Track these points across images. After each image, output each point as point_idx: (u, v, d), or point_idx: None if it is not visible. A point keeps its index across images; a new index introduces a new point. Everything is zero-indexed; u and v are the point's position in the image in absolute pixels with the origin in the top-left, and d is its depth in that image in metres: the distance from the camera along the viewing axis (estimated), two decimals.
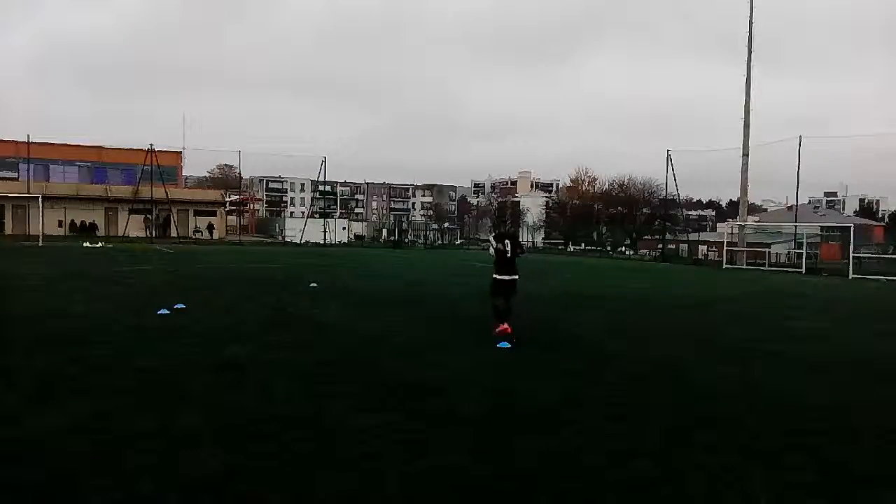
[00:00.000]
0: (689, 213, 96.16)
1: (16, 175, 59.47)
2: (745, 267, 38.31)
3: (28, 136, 51.17)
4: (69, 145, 64.05)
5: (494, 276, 10.23)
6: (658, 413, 6.25)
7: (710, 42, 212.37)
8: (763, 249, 45.36)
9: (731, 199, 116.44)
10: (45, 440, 4.86)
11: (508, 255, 10.21)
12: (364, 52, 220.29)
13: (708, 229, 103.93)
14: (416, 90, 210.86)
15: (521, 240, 10.89)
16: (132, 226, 52.82)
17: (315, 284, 17.72)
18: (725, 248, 42.03)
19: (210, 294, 15.24)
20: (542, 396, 6.69)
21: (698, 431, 5.71)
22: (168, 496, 4.01)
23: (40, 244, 39.04)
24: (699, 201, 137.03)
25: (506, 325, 9.94)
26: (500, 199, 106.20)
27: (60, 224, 52.84)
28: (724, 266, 38.57)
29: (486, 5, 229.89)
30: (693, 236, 65.64)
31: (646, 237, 74.48)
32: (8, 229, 52.35)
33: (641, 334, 11.23)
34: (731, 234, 45.81)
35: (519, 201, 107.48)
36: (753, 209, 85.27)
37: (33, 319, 10.55)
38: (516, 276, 10.23)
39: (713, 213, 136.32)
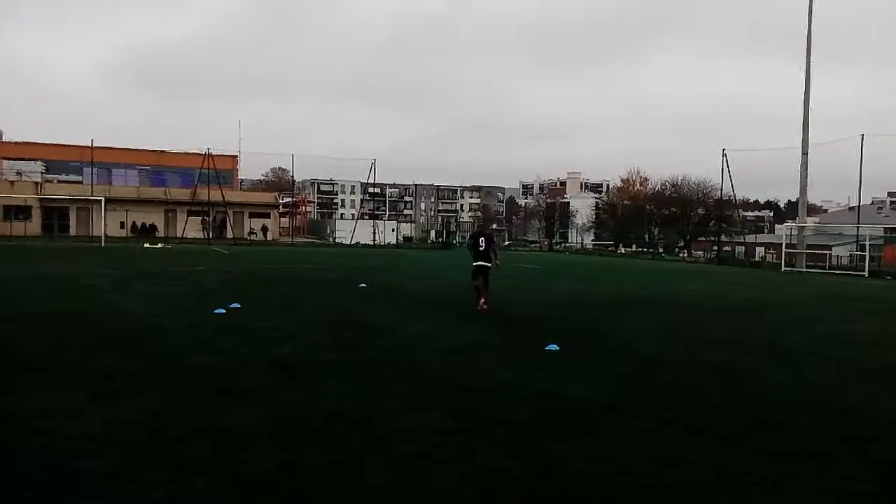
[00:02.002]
0: (746, 213, 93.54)
1: (80, 178, 62.04)
2: (804, 270, 37.06)
3: (91, 140, 53.24)
4: (130, 149, 66.43)
5: (474, 263, 13.55)
6: (711, 418, 6.11)
7: (768, 38, 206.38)
8: (823, 252, 43.78)
9: (789, 200, 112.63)
10: (107, 434, 5.06)
11: (482, 249, 13.55)
12: (413, 56, 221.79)
13: (766, 231, 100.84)
14: (465, 92, 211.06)
15: (495, 243, 14.52)
16: (190, 227, 54.45)
17: (364, 285, 17.93)
18: (784, 250, 40.73)
19: (264, 294, 15.60)
20: (590, 399, 6.62)
21: (753, 437, 5.56)
22: (223, 492, 4.13)
23: (103, 245, 40.62)
24: (756, 202, 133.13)
25: (483, 300, 13.20)
26: (548, 200, 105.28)
27: (122, 225, 54.88)
28: (783, 269, 37.42)
29: (533, 6, 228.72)
30: (750, 238, 63.85)
31: (700, 239, 72.80)
32: (72, 230, 54.65)
33: (694, 337, 10.99)
34: (790, 235, 44.37)
35: (568, 202, 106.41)
36: (813, 210, 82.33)
37: (97, 318, 10.98)
38: (489, 264, 13.53)
39: (771, 214, 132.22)
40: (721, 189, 49.79)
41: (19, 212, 51.71)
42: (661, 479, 4.55)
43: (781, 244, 43.37)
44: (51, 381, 6.65)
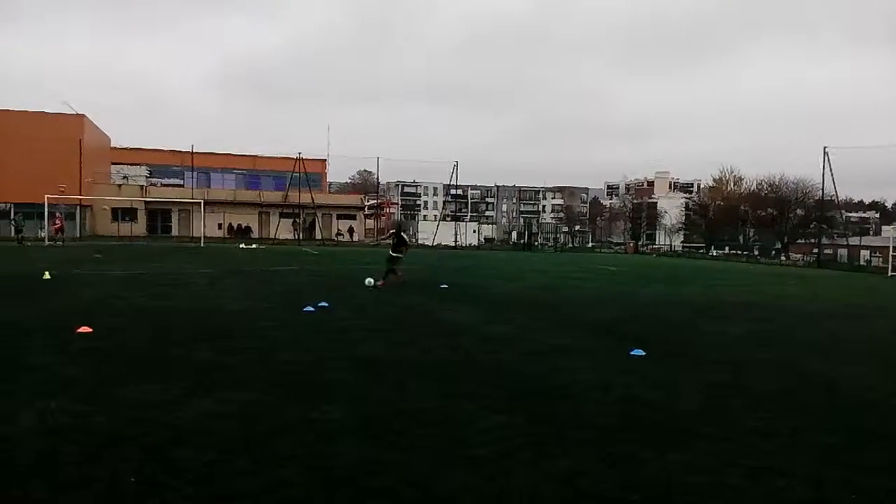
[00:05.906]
0: (849, 214, 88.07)
1: (181, 182, 65.72)
2: None
3: (192, 146, 56.21)
4: (227, 155, 69.81)
5: (392, 254, 18.01)
6: (807, 428, 5.81)
7: (874, 30, 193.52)
8: None
9: None
10: (203, 426, 5.35)
11: (397, 243, 18.02)
12: (498, 57, 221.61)
13: (871, 233, 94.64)
14: (551, 92, 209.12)
15: (407, 242, 19.49)
16: (282, 229, 56.60)
17: (446, 286, 18.07)
18: (891, 253, 38.14)
19: (350, 293, 16.00)
20: (677, 406, 6.43)
21: (853, 450, 5.25)
22: (309, 485, 4.28)
23: (202, 245, 42.80)
24: (860, 202, 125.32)
25: (385, 281, 17.44)
26: (635, 201, 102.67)
27: (219, 227, 57.62)
28: (890, 273, 35.05)
29: (622, 5, 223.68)
30: (853, 240, 60.07)
31: (799, 241, 69.21)
32: (174, 231, 57.89)
33: (789, 343, 10.47)
34: None
35: (656, 203, 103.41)
36: None
37: (195, 314, 11.58)
38: (400, 255, 18.00)
39: (877, 215, 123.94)
40: (822, 189, 47.30)
41: (126, 214, 55.19)
42: (750, 492, 4.37)
43: (888, 247, 40.63)
44: (151, 374, 7.05)
